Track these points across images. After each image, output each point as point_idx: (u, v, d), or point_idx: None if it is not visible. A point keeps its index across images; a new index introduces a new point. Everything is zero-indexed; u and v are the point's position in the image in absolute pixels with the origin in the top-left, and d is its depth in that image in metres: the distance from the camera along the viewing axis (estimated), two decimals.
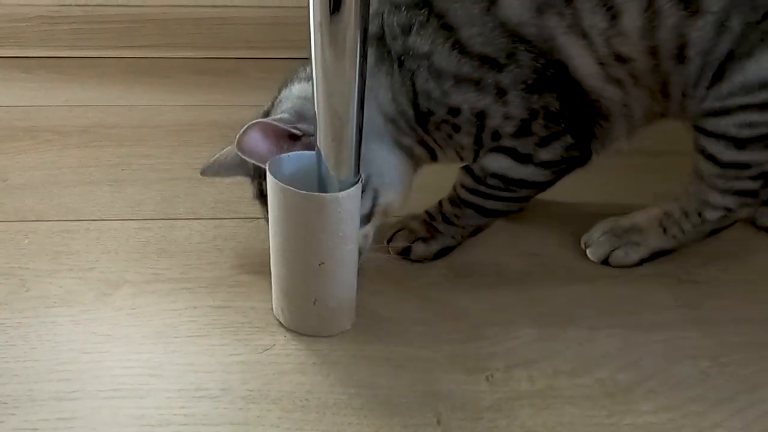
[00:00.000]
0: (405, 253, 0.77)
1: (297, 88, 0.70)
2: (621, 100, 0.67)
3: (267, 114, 0.71)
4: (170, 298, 0.72)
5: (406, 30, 0.66)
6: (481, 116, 0.67)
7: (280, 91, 0.72)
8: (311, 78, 0.69)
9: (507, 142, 0.68)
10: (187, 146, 1.01)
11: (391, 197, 0.70)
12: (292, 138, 0.64)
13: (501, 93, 0.65)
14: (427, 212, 0.78)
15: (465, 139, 0.69)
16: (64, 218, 0.84)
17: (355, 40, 0.55)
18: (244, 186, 0.75)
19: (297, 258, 0.64)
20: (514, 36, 0.64)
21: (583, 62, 0.65)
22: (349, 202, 0.61)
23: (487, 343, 0.68)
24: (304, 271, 0.64)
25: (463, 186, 0.74)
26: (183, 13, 1.28)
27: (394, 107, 0.68)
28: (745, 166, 0.68)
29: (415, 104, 0.68)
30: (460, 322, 0.70)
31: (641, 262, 0.78)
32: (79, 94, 1.15)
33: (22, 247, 0.79)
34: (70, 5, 1.27)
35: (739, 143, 0.66)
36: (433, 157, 0.73)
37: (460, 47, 0.65)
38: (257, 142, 0.63)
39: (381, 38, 0.68)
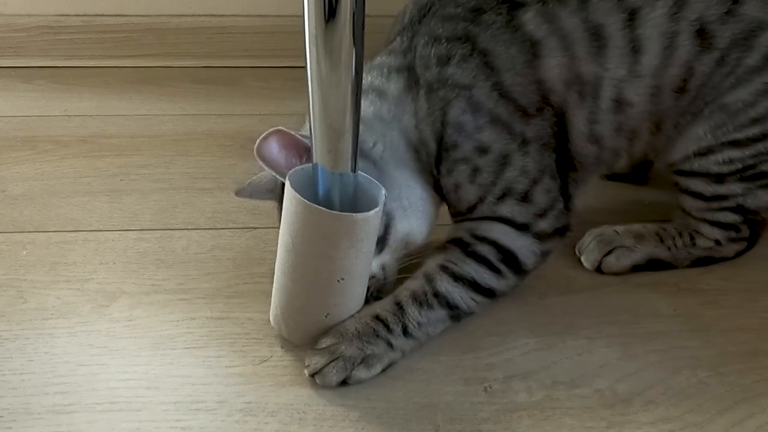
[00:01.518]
0: (342, 383, 0.63)
1: None
2: (595, 155, 0.72)
3: None
4: (168, 310, 0.72)
5: (444, 60, 0.66)
6: (504, 161, 0.67)
7: None
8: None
9: (508, 208, 0.68)
10: (186, 156, 1.01)
11: (409, 224, 0.68)
12: (310, 152, 0.62)
13: (524, 144, 0.67)
14: (380, 321, 0.65)
15: (472, 195, 0.68)
16: (62, 229, 0.84)
17: (350, 50, 0.55)
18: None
19: (315, 274, 0.63)
20: (545, 96, 0.67)
21: (578, 123, 0.69)
22: (375, 219, 0.61)
23: (485, 354, 0.67)
24: (322, 287, 0.64)
25: (446, 271, 0.67)
26: (181, 22, 1.29)
27: (417, 135, 0.68)
28: (723, 197, 0.72)
29: (440, 136, 0.67)
30: (458, 333, 0.70)
31: (634, 269, 0.77)
32: (78, 104, 1.16)
33: (20, 258, 0.79)
34: (70, 15, 1.27)
35: (719, 178, 0.71)
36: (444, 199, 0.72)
37: (501, 89, 0.66)
38: (275, 150, 0.62)
39: (411, 69, 0.68)
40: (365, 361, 0.63)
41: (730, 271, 0.78)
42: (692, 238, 0.77)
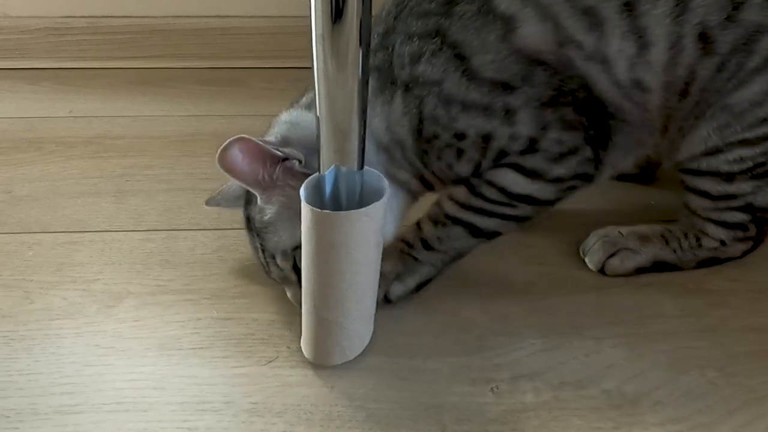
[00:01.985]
0: (384, 299, 0.71)
1: (287, 115, 0.70)
2: (639, 117, 0.68)
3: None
4: (174, 310, 0.72)
5: (415, 59, 0.66)
6: (486, 138, 0.66)
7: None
8: (308, 104, 0.70)
9: (514, 159, 0.67)
10: (191, 156, 1.01)
11: None
12: (274, 160, 0.63)
13: (509, 113, 0.65)
14: (403, 240, 0.73)
15: (465, 168, 0.68)
16: (68, 230, 0.84)
17: (357, 51, 0.54)
18: None
19: (325, 277, 0.62)
20: (531, 60, 0.64)
21: (603, 84, 0.66)
22: (381, 210, 0.60)
23: (492, 354, 0.67)
24: (331, 290, 0.63)
25: (453, 200, 0.70)
26: (186, 23, 1.29)
27: (389, 137, 0.68)
28: (732, 197, 0.71)
29: (417, 131, 0.67)
30: (465, 333, 0.70)
31: (638, 272, 0.77)
32: (83, 105, 1.16)
33: (26, 258, 0.79)
34: (75, 17, 1.27)
35: (729, 177, 0.69)
36: (429, 188, 0.72)
37: (470, 74, 0.65)
38: (238, 159, 0.61)
39: (382, 70, 0.67)
40: (399, 277, 0.70)
41: (738, 271, 0.78)
42: (698, 239, 0.76)
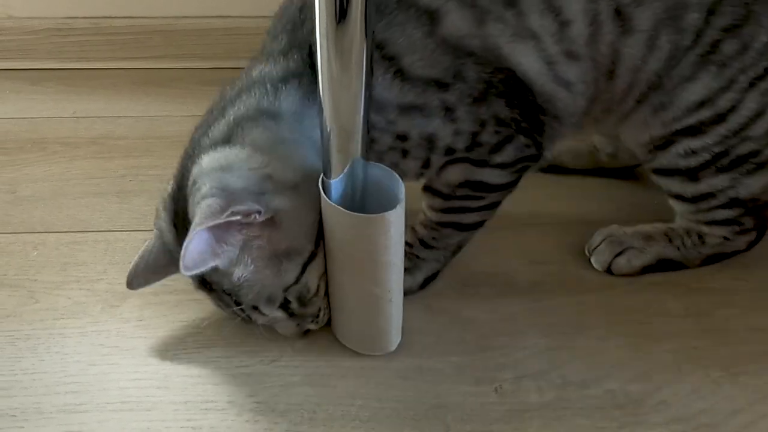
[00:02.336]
0: None
1: (207, 161, 0.60)
2: (568, 105, 0.66)
3: (178, 195, 0.63)
4: (178, 310, 0.72)
5: None
6: (430, 139, 0.64)
7: (185, 167, 0.64)
8: (225, 138, 0.61)
9: (460, 155, 0.66)
10: None
11: None
12: (232, 227, 0.57)
13: (449, 111, 0.63)
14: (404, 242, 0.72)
15: (412, 165, 0.66)
16: (72, 230, 0.84)
17: (361, 51, 0.55)
18: None
19: (354, 280, 0.62)
20: (459, 51, 0.62)
21: (531, 65, 0.63)
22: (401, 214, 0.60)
23: (495, 354, 0.67)
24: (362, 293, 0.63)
25: (433, 208, 0.71)
26: (189, 24, 1.29)
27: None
28: (709, 195, 0.69)
29: None
30: (468, 333, 0.70)
31: (644, 271, 0.76)
32: (86, 106, 1.16)
33: (31, 258, 0.80)
34: (78, 18, 1.27)
35: (692, 175, 0.68)
36: None
37: (402, 75, 0.61)
38: (204, 254, 0.55)
39: (303, 75, 0.63)
40: (407, 271, 0.70)
41: (742, 270, 0.78)
42: (700, 237, 0.75)
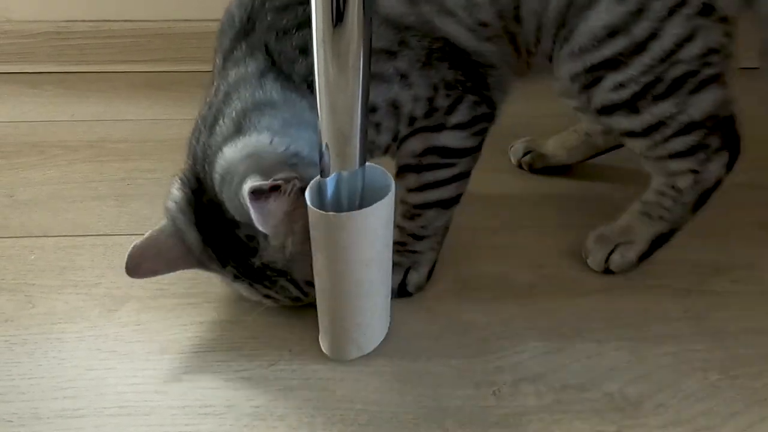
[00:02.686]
0: (402, 292, 0.74)
1: (230, 152, 0.62)
2: (499, 53, 0.69)
3: (196, 196, 0.66)
4: (175, 314, 0.72)
5: (304, 50, 0.65)
6: (395, 105, 0.67)
7: (200, 171, 0.66)
8: (237, 130, 0.63)
9: (419, 124, 0.68)
10: None
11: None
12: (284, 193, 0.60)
13: (404, 77, 0.66)
14: (396, 243, 0.71)
15: (384, 138, 0.69)
16: (70, 234, 0.84)
17: (358, 54, 0.55)
18: None
19: (338, 279, 0.62)
20: (399, 26, 0.66)
21: (458, 33, 0.67)
22: (388, 209, 0.60)
23: (494, 357, 0.67)
24: (355, 293, 0.63)
25: (409, 189, 0.72)
26: (188, 27, 1.29)
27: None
28: (660, 124, 0.67)
29: None
30: (467, 336, 0.69)
31: (642, 259, 0.76)
32: (85, 109, 1.16)
33: (29, 262, 0.80)
34: (77, 21, 1.28)
35: (631, 107, 0.66)
36: None
37: None
38: (274, 209, 0.59)
39: (273, 66, 0.66)
40: (412, 267, 0.74)
41: (740, 273, 0.78)
42: (673, 187, 0.71)
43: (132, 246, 0.66)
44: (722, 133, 0.68)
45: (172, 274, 0.78)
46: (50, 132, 1.08)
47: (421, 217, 0.73)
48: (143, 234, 0.80)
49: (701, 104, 0.66)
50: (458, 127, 0.70)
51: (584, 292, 0.75)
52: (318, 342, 0.68)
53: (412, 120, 0.69)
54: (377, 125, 0.68)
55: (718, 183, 0.71)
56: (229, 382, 0.64)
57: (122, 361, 0.67)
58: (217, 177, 0.62)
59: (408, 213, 0.74)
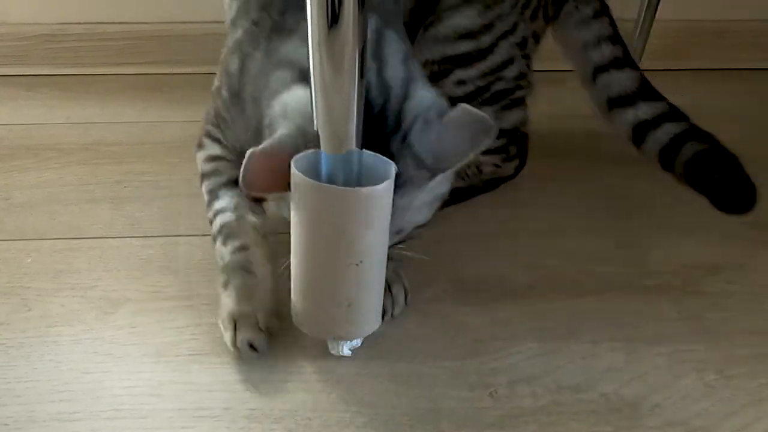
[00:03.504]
0: None
1: (281, 107, 0.62)
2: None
3: None
4: (172, 316, 0.72)
5: None
6: None
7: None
8: (276, 90, 0.63)
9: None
10: (189, 162, 1.00)
11: None
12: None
13: None
14: None
15: None
16: (66, 236, 0.84)
17: (353, 56, 0.55)
18: None
19: (331, 259, 0.60)
20: None
21: None
22: (387, 194, 0.59)
23: (489, 359, 0.67)
24: (339, 273, 0.61)
25: None
26: (183, 29, 1.29)
27: None
28: None
29: None
30: (462, 337, 0.70)
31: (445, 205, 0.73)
32: (80, 112, 1.16)
33: (24, 265, 0.79)
34: (72, 23, 1.27)
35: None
36: None
37: None
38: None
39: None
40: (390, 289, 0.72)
41: (735, 273, 0.78)
42: (478, 167, 0.88)
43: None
44: (518, 145, 0.87)
45: (168, 276, 0.78)
46: (45, 134, 1.08)
47: None
48: (139, 236, 0.80)
49: (510, 118, 0.83)
50: None
51: (579, 293, 0.76)
52: (313, 346, 0.68)
53: None
54: None
55: (509, 177, 0.90)
56: (225, 384, 0.64)
57: (118, 364, 0.66)
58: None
59: None
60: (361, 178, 0.61)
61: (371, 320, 0.67)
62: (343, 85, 0.56)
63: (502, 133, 0.81)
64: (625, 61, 0.86)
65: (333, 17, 0.53)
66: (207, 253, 0.82)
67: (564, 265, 0.79)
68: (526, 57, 0.81)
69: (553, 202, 0.90)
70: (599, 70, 0.86)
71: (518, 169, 0.90)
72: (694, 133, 0.81)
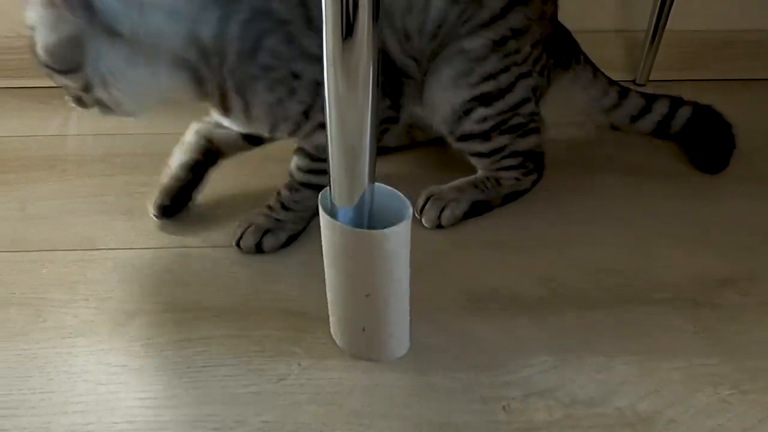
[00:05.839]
0: (259, 249, 0.83)
1: None
2: (414, 69, 0.82)
3: None
4: (185, 328, 0.72)
5: None
6: (317, 85, 0.74)
7: None
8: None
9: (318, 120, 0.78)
10: None
11: None
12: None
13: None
14: (267, 205, 0.86)
15: (295, 107, 0.76)
16: (80, 248, 0.85)
17: (368, 70, 0.55)
18: None
19: (343, 288, 0.65)
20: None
21: (391, 46, 0.78)
22: (396, 238, 0.61)
23: (503, 372, 0.67)
24: (352, 302, 0.66)
25: (299, 168, 0.84)
26: None
27: (215, 45, 0.71)
28: (500, 150, 0.87)
29: (248, 56, 0.72)
30: (475, 350, 0.69)
31: (465, 217, 0.88)
32: (94, 124, 1.16)
33: (39, 276, 0.80)
34: None
35: (485, 137, 0.85)
36: (225, 112, 0.79)
37: (309, 23, 0.72)
38: None
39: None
40: (269, 232, 0.83)
41: (748, 285, 0.78)
42: (497, 181, 0.90)
43: None
44: (535, 162, 0.91)
45: (182, 288, 0.78)
46: (59, 146, 1.09)
47: (298, 193, 0.84)
48: (154, 247, 0.80)
49: (526, 143, 0.88)
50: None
51: (591, 305, 0.75)
52: (326, 357, 0.68)
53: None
54: (292, 90, 0.75)
55: (525, 191, 0.93)
56: (238, 396, 0.65)
57: (132, 375, 0.67)
58: None
59: (289, 185, 0.85)
60: (372, 213, 0.62)
61: (392, 347, 0.68)
62: (357, 99, 0.56)
63: (518, 154, 0.88)
64: (624, 89, 0.98)
65: (348, 29, 0.53)
66: (219, 263, 0.82)
67: (575, 277, 0.79)
68: (537, 103, 0.88)
69: (562, 212, 0.90)
70: (612, 108, 0.98)
71: (535, 182, 0.93)
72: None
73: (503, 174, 0.90)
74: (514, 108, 0.84)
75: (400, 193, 0.63)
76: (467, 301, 0.76)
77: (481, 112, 0.83)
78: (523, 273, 0.80)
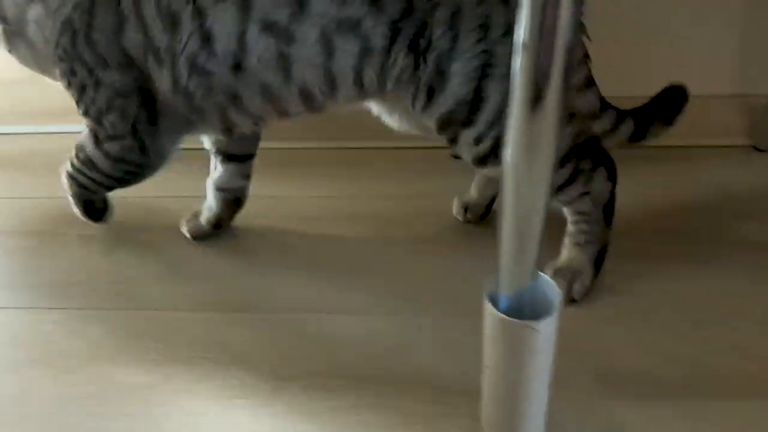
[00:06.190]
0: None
1: None
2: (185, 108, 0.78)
3: None
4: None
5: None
6: (82, 88, 0.78)
7: None
8: None
9: (87, 122, 0.80)
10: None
11: None
12: None
13: (97, 84, 0.78)
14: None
15: (73, 95, 0.79)
16: None
17: (551, 144, 0.48)
18: None
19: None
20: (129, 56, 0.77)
21: (162, 80, 0.76)
22: (546, 330, 0.54)
23: None
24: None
25: (76, 155, 0.84)
26: None
27: (38, 35, 0.80)
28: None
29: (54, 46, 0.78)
30: None
31: (596, 274, 0.78)
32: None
33: None
34: None
35: (482, 161, 0.74)
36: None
37: (88, 38, 0.77)
38: None
39: None
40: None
41: None
42: (579, 213, 0.77)
43: None
44: (591, 155, 0.76)
45: None
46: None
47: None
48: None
49: (563, 137, 0.72)
50: (107, 155, 0.81)
51: (741, 394, 0.67)
52: None
53: (84, 111, 0.79)
54: (69, 83, 0.79)
55: (611, 194, 0.78)
56: None
57: None
58: None
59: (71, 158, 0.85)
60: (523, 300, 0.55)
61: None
62: (539, 173, 0.49)
63: (563, 160, 0.73)
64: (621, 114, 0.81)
65: (536, 95, 0.46)
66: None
67: (723, 361, 0.71)
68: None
69: (712, 285, 0.81)
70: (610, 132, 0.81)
71: (611, 176, 0.78)
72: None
73: (566, 196, 0.75)
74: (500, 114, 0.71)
75: (549, 279, 0.55)
76: (602, 381, 0.69)
77: (466, 134, 0.72)
78: (662, 352, 0.72)
